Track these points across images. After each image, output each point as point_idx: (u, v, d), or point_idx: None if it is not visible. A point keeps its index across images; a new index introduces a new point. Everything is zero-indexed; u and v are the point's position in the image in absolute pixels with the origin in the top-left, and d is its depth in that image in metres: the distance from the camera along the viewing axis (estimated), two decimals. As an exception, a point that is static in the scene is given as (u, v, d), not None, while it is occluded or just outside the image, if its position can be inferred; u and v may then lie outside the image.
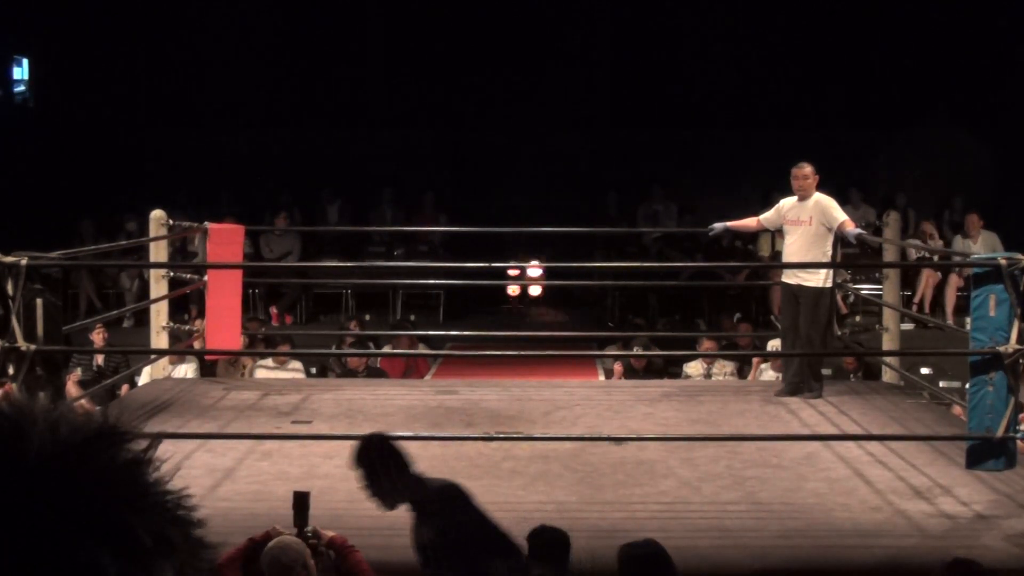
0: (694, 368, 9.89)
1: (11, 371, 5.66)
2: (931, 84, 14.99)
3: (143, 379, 9.22)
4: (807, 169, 8.08)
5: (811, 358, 8.15)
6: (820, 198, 8.04)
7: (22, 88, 15.39)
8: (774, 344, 9.85)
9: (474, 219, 13.03)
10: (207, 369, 9.64)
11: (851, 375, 9.75)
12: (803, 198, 8.05)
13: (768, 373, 9.51)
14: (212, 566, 0.77)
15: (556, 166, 15.13)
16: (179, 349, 9.19)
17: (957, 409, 7.69)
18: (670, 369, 10.29)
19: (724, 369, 9.85)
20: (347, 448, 6.60)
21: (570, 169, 15.17)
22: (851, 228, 7.98)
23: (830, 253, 8.05)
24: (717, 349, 9.98)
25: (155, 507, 0.74)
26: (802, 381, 8.09)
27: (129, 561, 0.71)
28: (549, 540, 4.22)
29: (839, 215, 8.00)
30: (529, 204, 14.18)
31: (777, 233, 9.43)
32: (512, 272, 11.23)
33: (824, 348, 8.14)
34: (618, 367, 9.81)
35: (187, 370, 9.40)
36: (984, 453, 5.71)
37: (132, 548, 0.72)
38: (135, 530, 0.72)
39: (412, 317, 12.75)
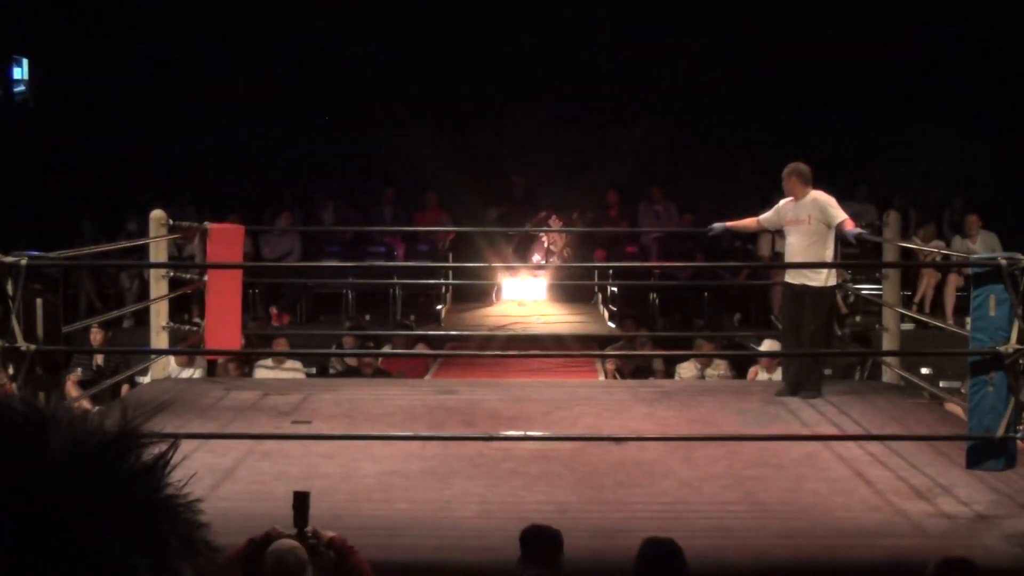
0: (687, 370, 9.87)
1: (11, 371, 5.65)
2: (931, 84, 14.99)
3: (146, 379, 9.22)
4: (786, 170, 8.12)
5: (811, 357, 8.14)
6: (818, 196, 8.03)
7: (22, 88, 15.41)
8: (767, 345, 9.84)
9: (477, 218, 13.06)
10: (211, 369, 9.65)
11: (856, 372, 9.73)
12: (797, 197, 8.05)
13: (762, 374, 9.48)
14: (217, 568, 0.77)
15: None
16: (179, 349, 9.18)
17: (956, 408, 7.68)
18: (668, 370, 10.27)
19: (718, 370, 9.81)
20: (347, 448, 6.67)
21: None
22: (851, 228, 7.96)
23: (831, 251, 8.04)
24: (712, 350, 9.96)
25: (178, 510, 0.74)
26: (802, 381, 8.08)
27: (159, 563, 0.72)
28: (541, 540, 4.25)
29: (838, 214, 7.98)
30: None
31: (777, 233, 9.42)
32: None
33: (825, 348, 8.12)
34: (611, 366, 9.82)
35: (195, 371, 9.41)
36: (984, 453, 5.70)
37: (162, 550, 0.72)
38: (164, 532, 0.73)
39: (412, 317, 12.73)
